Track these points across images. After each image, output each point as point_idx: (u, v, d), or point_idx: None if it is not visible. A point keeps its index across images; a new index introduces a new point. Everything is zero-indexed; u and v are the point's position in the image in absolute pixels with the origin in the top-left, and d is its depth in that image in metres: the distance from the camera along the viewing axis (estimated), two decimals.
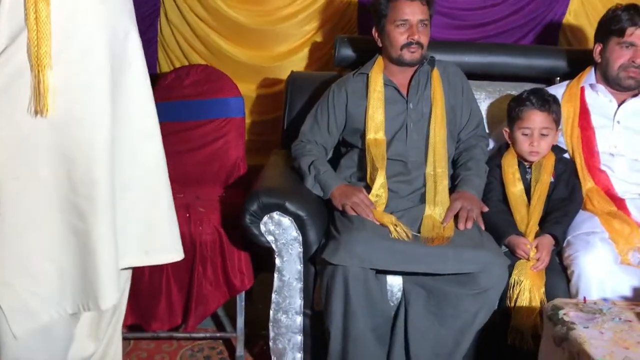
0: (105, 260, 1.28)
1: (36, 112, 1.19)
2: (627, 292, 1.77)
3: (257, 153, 2.78)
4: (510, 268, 1.85)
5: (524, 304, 1.82)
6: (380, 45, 2.15)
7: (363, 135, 2.10)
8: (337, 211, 2.00)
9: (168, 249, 1.48)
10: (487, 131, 2.28)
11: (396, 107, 2.11)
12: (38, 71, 1.18)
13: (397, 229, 1.89)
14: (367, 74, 2.14)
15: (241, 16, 2.81)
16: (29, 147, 1.21)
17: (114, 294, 1.32)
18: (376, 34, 2.15)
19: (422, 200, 2.04)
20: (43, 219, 1.24)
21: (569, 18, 2.82)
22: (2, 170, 1.19)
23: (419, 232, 1.94)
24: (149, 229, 1.43)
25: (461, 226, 1.92)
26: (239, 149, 2.54)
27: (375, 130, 2.07)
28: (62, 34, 1.21)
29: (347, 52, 2.47)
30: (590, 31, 2.76)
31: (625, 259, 1.85)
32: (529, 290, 1.83)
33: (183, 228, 2.09)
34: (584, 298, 1.63)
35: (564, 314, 1.48)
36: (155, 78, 2.63)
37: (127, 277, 1.54)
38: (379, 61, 2.15)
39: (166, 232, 1.47)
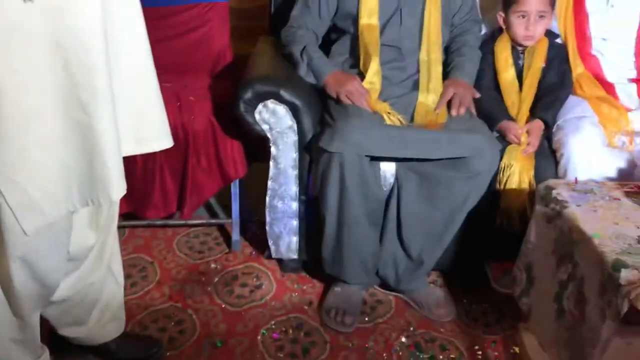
0: (111, 151, 1.27)
1: None
2: (613, 174, 1.85)
3: (242, 40, 2.71)
4: (502, 152, 1.90)
5: (514, 187, 1.88)
6: None
7: (355, 20, 2.05)
8: (332, 99, 1.99)
9: (159, 136, 1.47)
10: (479, 15, 2.24)
11: None
12: None
13: (391, 116, 1.90)
14: None
15: None
16: (22, 35, 1.15)
17: (124, 184, 1.32)
18: None
19: (416, 87, 2.04)
20: (45, 113, 1.20)
21: None
22: None
23: (412, 119, 1.95)
24: (139, 117, 1.41)
25: (454, 112, 1.94)
26: (223, 36, 2.46)
27: (369, 15, 2.02)
28: None
29: None
30: None
31: (612, 141, 1.91)
32: (518, 173, 1.89)
33: (174, 117, 2.09)
34: (575, 179, 1.69)
35: (557, 194, 1.54)
36: None
37: None
38: None
39: (157, 119, 1.46)
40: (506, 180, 1.90)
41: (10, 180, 1.20)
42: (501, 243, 1.95)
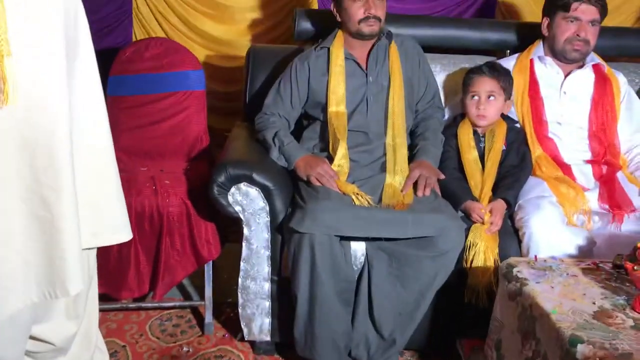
0: (71, 247, 1.27)
1: None
2: (573, 251, 1.91)
3: (220, 119, 2.84)
4: (466, 231, 1.97)
5: (480, 265, 1.94)
6: (339, 20, 2.20)
7: (325, 108, 2.16)
8: (302, 181, 2.06)
9: (118, 229, 1.45)
10: (442, 102, 2.38)
11: (357, 80, 2.18)
12: None
13: (359, 197, 1.98)
14: (329, 48, 2.19)
15: None
16: None
17: (82, 278, 1.32)
18: (334, 9, 2.20)
19: (383, 169, 2.13)
20: (6, 210, 1.21)
21: None
22: None
23: (380, 200, 2.03)
24: (97, 210, 1.41)
25: (420, 193, 2.02)
26: (200, 122, 2.56)
27: (337, 103, 2.14)
28: (17, 18, 1.16)
29: (307, 25, 2.51)
30: (524, 6, 2.95)
31: (571, 220, 2.00)
32: (483, 251, 1.95)
33: (150, 200, 2.15)
34: (535, 256, 1.75)
35: (518, 272, 1.60)
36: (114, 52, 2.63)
37: (94, 254, 1.54)
38: (339, 35, 2.21)
39: (115, 212, 1.45)
40: (472, 259, 1.95)
41: None
42: (471, 319, 1.99)
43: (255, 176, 1.98)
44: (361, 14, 2.12)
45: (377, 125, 2.17)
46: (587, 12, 2.15)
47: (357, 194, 1.98)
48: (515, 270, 1.61)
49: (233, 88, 2.96)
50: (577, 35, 2.17)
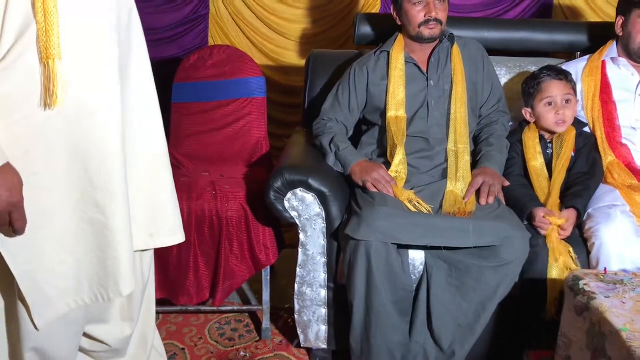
0: (124, 248, 1.30)
1: (46, 105, 1.17)
2: None
3: (281, 126, 2.86)
4: (532, 241, 1.88)
5: (552, 275, 1.85)
6: (399, 23, 2.16)
7: (384, 113, 2.13)
8: (359, 187, 2.03)
9: (173, 231, 1.48)
10: (507, 107, 2.29)
11: (417, 84, 2.13)
12: (47, 62, 1.15)
13: (415, 204, 1.93)
14: (388, 52, 2.15)
15: None
16: (45, 141, 1.20)
17: (133, 280, 1.33)
18: (394, 13, 2.16)
19: (444, 175, 2.07)
20: (58, 213, 1.24)
21: None
22: (20, 165, 1.17)
23: (441, 207, 1.97)
24: (153, 212, 1.44)
25: (482, 201, 1.95)
26: (261, 129, 2.58)
27: (397, 108, 2.10)
28: (70, 23, 1.19)
29: (367, 30, 2.48)
30: (584, 7, 2.86)
31: None
32: (557, 261, 1.86)
33: (210, 204, 2.18)
34: (605, 269, 1.65)
35: (585, 285, 1.51)
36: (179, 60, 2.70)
37: (150, 256, 1.57)
38: (399, 39, 2.17)
39: (170, 215, 1.47)
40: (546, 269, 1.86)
41: (31, 280, 1.23)
42: (538, 332, 1.89)
43: (312, 182, 1.97)
44: (421, 17, 2.08)
45: (439, 131, 2.11)
46: None
47: (412, 200, 1.93)
48: (582, 283, 1.52)
49: (289, 100, 2.98)
50: None
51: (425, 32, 2.09)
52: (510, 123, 2.26)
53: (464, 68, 2.14)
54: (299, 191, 1.99)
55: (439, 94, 2.13)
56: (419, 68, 2.14)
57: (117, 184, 1.26)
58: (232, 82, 2.60)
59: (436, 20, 2.07)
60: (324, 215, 1.99)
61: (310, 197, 1.99)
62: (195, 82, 2.61)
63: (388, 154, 2.08)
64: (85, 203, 1.26)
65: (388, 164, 2.06)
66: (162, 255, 2.12)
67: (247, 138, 2.56)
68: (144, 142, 1.39)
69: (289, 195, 1.99)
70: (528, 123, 2.16)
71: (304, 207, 2.00)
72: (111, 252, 1.29)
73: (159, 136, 1.43)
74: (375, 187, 1.97)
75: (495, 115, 2.21)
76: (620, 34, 2.15)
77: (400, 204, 1.93)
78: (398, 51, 2.14)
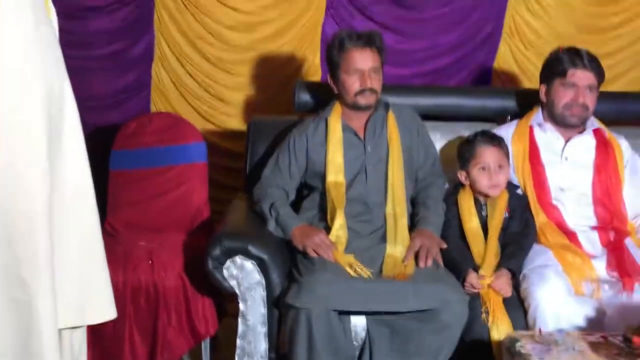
0: (48, 328, 1.24)
1: None
2: (582, 322, 1.83)
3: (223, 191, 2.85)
4: (471, 303, 1.90)
5: (494, 338, 1.85)
6: (336, 92, 2.22)
7: (324, 178, 2.15)
8: (299, 252, 2.02)
9: (104, 307, 1.42)
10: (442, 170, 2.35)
11: (355, 150, 2.17)
12: None
13: (355, 268, 1.92)
14: (326, 119, 2.20)
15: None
16: None
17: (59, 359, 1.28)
18: (331, 82, 2.22)
19: (383, 239, 2.08)
20: None
21: (499, 62, 3.05)
22: None
23: (381, 271, 1.98)
24: (84, 287, 1.37)
25: (421, 264, 1.96)
26: (201, 194, 2.56)
27: (335, 173, 2.12)
28: None
29: (307, 97, 2.54)
30: (520, 73, 3.01)
31: (578, 290, 1.92)
32: (493, 323, 1.87)
33: (146, 276, 2.12)
34: (540, 330, 1.67)
35: (521, 346, 1.52)
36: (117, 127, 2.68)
37: (82, 332, 1.49)
38: (337, 107, 2.22)
39: (101, 290, 1.41)
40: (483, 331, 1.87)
41: None
42: None
43: (251, 248, 1.95)
44: (357, 87, 2.13)
45: (377, 195, 2.14)
46: (583, 78, 2.15)
47: (352, 264, 1.92)
48: (518, 344, 1.54)
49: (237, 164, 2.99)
50: (575, 100, 2.16)
51: (361, 100, 2.15)
52: (446, 185, 2.31)
53: (399, 134, 2.19)
54: (238, 258, 1.96)
55: (376, 160, 2.17)
56: (356, 135, 2.19)
57: (43, 257, 1.22)
58: (172, 148, 2.59)
59: (371, 90, 2.13)
60: (264, 283, 1.97)
61: (249, 265, 1.96)
62: (135, 149, 2.59)
63: (328, 218, 2.09)
64: (9, 280, 1.20)
65: (328, 229, 2.06)
66: (96, 328, 2.02)
67: (188, 204, 2.53)
68: (75, 214, 1.35)
69: (228, 263, 1.96)
70: (463, 185, 2.21)
71: (244, 275, 1.96)
72: (35, 333, 1.22)
73: (90, 207, 1.39)
74: (315, 251, 1.96)
75: (431, 178, 2.26)
76: (545, 101, 2.27)
77: (341, 268, 1.92)
78: (336, 119, 2.19)
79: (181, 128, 2.65)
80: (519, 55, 3.02)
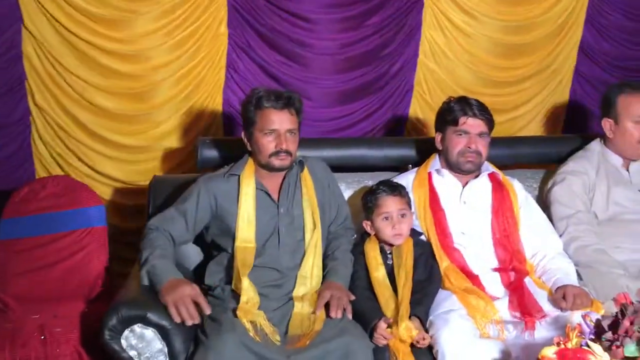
0: None
1: None
2: None
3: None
4: (378, 354, 1.88)
5: None
6: (249, 149, 2.15)
7: (234, 240, 2.06)
8: (207, 315, 1.93)
9: None
10: (352, 223, 2.34)
11: (268, 212, 2.10)
12: None
13: (259, 326, 1.86)
14: (239, 176, 2.11)
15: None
16: None
17: None
18: (245, 138, 2.15)
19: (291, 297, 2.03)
20: None
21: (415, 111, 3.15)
22: None
23: (287, 329, 1.92)
24: None
25: (333, 314, 1.91)
26: (101, 260, 2.44)
27: (245, 238, 2.04)
28: None
29: (211, 153, 2.49)
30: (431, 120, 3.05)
31: (483, 332, 1.94)
32: None
33: (37, 351, 1.97)
34: None
35: None
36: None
37: None
38: (250, 163, 2.14)
39: None
40: None
41: None
42: None
43: (150, 316, 1.85)
44: (272, 148, 2.06)
45: (290, 259, 2.08)
46: (474, 125, 2.24)
47: (257, 323, 1.86)
48: None
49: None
50: (469, 147, 2.24)
51: (276, 162, 2.08)
52: (354, 236, 2.31)
53: (314, 192, 2.15)
54: (137, 327, 1.85)
55: (289, 220, 2.11)
56: (269, 196, 2.13)
57: None
58: (69, 213, 2.46)
59: (286, 152, 2.07)
60: (166, 351, 1.87)
61: (150, 333, 1.86)
62: (27, 216, 2.44)
63: (233, 283, 2.01)
64: None
65: (236, 293, 1.98)
66: None
67: (86, 271, 2.39)
68: None
69: (126, 332, 1.85)
70: (369, 235, 2.22)
71: (144, 344, 1.86)
72: None
73: None
74: (177, 311, 1.84)
75: (341, 231, 2.25)
76: (441, 148, 2.34)
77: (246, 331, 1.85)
78: (249, 176, 2.10)
79: (77, 192, 2.53)
80: (432, 104, 3.10)
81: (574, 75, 3.27)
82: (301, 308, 1.98)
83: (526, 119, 3.26)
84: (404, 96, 3.13)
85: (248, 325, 1.86)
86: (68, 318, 2.15)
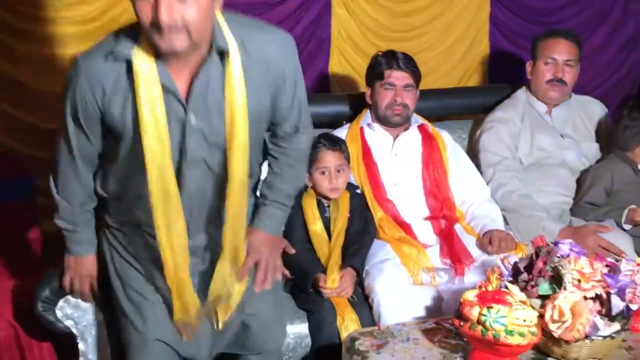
0: None
1: None
2: (422, 311, 1.91)
3: None
4: (317, 306, 1.94)
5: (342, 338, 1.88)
6: None
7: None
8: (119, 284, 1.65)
9: None
10: None
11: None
12: None
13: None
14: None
15: None
16: None
17: None
18: None
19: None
20: None
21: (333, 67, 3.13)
22: None
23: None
24: None
25: (257, 288, 1.62)
26: (33, 232, 2.37)
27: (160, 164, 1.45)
28: None
29: None
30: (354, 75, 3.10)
31: (416, 280, 2.01)
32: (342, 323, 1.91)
33: None
34: (378, 325, 1.73)
35: (360, 344, 1.56)
36: None
37: None
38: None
39: None
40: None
41: None
42: None
43: None
44: None
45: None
46: (400, 77, 2.27)
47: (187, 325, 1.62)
48: (357, 343, 1.57)
49: None
50: (395, 100, 2.27)
51: None
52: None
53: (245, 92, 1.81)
54: (72, 297, 1.83)
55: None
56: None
57: None
58: None
59: None
60: (101, 319, 1.85)
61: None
62: None
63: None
64: None
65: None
66: None
67: (17, 245, 2.33)
68: None
69: (61, 303, 1.83)
70: (306, 189, 2.24)
71: (80, 313, 1.84)
72: None
73: None
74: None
75: (292, 136, 1.70)
76: (371, 103, 2.36)
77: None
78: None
79: (4, 162, 2.43)
80: (350, 59, 3.10)
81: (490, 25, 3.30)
82: (223, 268, 1.59)
83: (448, 69, 3.28)
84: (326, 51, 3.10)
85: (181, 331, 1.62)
86: (0, 293, 2.10)
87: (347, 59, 3.11)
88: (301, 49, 3.01)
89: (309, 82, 3.12)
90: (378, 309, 1.92)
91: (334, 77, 3.17)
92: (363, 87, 3.08)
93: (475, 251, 2.11)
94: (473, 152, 2.53)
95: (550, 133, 2.49)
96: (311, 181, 2.21)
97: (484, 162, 2.44)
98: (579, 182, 2.43)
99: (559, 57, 2.45)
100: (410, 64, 2.28)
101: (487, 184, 2.38)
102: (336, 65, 3.13)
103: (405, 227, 2.19)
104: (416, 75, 2.30)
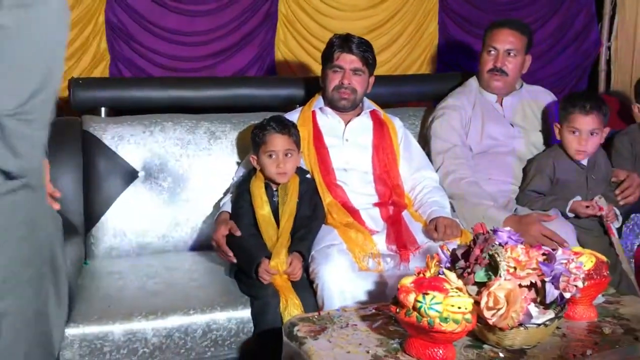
0: None
1: None
2: (366, 297, 1.91)
3: None
4: (261, 291, 1.93)
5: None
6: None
7: None
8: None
9: None
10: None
11: None
12: None
13: None
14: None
15: None
16: None
17: None
18: None
19: None
20: None
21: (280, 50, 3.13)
22: None
23: None
24: None
25: None
26: None
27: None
28: None
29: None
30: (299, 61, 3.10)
31: (361, 265, 2.01)
32: (285, 309, 1.90)
33: None
34: (319, 311, 1.72)
35: (297, 330, 1.55)
36: None
37: None
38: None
39: None
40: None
41: None
42: None
43: None
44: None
45: None
46: (348, 60, 2.25)
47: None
48: (296, 329, 1.56)
49: None
50: (342, 83, 2.26)
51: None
52: (240, 174, 2.29)
53: None
54: None
55: None
56: None
57: None
58: None
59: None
60: None
61: None
62: None
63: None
64: None
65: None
66: None
67: None
68: None
69: None
70: (255, 171, 2.21)
71: None
72: None
73: None
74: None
75: None
76: (323, 86, 2.34)
77: None
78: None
79: None
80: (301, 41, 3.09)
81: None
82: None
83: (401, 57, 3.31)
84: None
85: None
86: None
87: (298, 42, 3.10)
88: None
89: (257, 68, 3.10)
90: (322, 294, 1.92)
91: (282, 62, 3.14)
92: (308, 71, 3.10)
93: (421, 237, 2.12)
94: (425, 139, 2.54)
95: (500, 122, 2.51)
96: (259, 164, 2.18)
97: (435, 148, 2.45)
98: (524, 170, 2.46)
99: (500, 46, 2.46)
100: (361, 49, 2.26)
101: (437, 170, 2.39)
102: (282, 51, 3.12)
103: (353, 212, 2.19)
104: (366, 60, 2.28)
